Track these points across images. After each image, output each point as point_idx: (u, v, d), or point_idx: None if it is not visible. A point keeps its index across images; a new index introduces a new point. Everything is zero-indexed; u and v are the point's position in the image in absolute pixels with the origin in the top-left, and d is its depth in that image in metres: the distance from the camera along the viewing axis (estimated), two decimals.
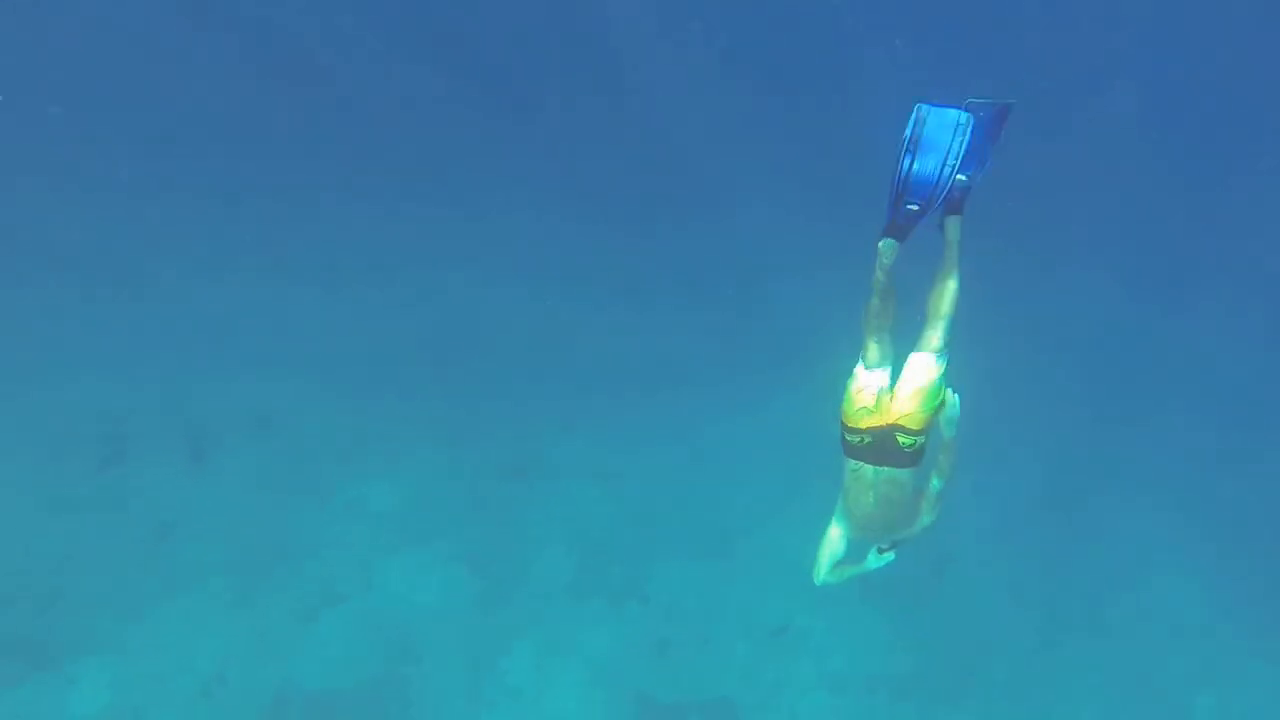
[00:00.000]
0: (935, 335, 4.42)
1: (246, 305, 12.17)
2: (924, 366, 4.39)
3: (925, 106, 4.23)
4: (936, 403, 4.38)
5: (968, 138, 4.18)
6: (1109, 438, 12.07)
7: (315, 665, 8.61)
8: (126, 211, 13.30)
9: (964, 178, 4.42)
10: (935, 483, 4.66)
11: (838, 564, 4.91)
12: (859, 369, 4.48)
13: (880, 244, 4.30)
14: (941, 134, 4.17)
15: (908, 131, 4.20)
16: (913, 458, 4.43)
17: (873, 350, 4.44)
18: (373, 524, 9.71)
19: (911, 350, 4.48)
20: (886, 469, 4.47)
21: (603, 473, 10.66)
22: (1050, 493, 11.44)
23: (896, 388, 4.41)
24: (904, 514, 4.64)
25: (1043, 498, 11.41)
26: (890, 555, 4.83)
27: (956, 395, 4.47)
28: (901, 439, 4.38)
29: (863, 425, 4.41)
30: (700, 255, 14.71)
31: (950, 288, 4.43)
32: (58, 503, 9.39)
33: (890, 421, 4.37)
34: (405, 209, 14.44)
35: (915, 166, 4.16)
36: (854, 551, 4.91)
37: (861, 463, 4.50)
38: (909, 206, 4.21)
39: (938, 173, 4.16)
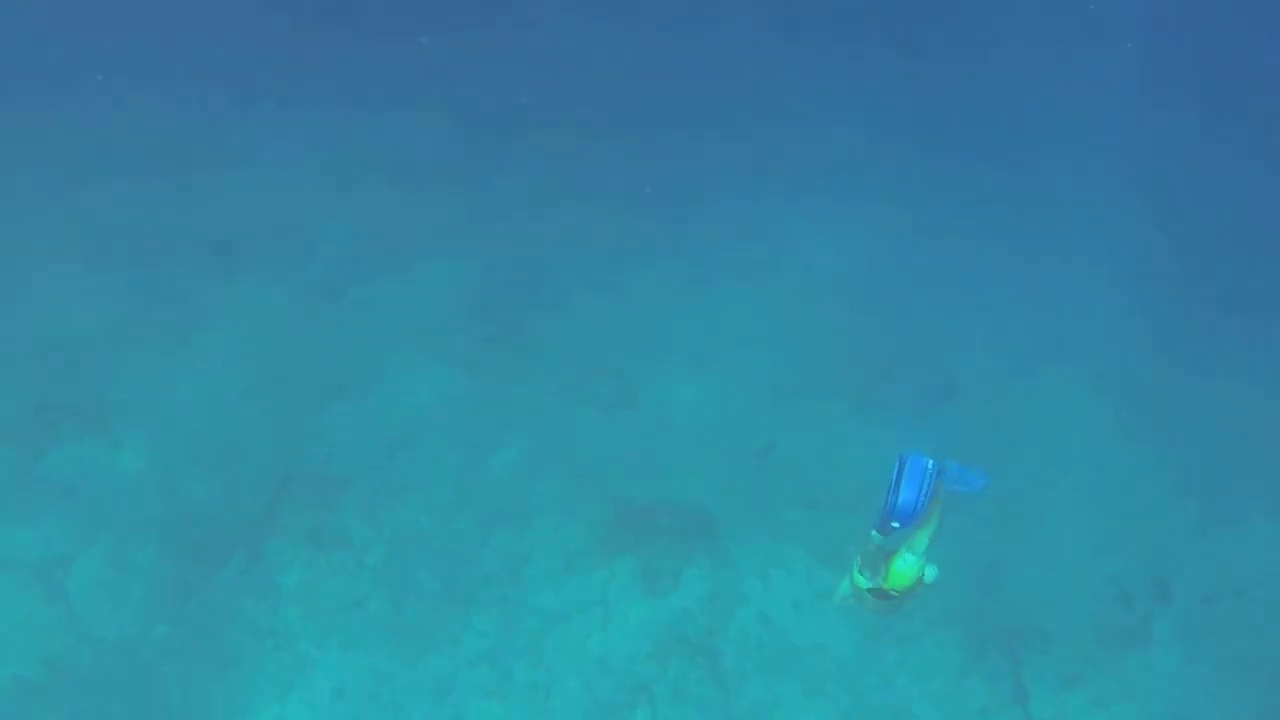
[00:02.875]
0: (921, 541, 5.62)
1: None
2: (908, 564, 5.61)
3: (904, 456, 5.56)
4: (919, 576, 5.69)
5: (935, 480, 5.56)
6: None
7: (322, 449, 9.51)
8: None
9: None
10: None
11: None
12: (855, 573, 5.78)
13: (872, 533, 5.66)
14: (917, 475, 5.50)
15: (892, 476, 5.51)
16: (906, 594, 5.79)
17: (867, 574, 5.71)
18: (381, 324, 10.31)
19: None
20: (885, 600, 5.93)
21: (608, 285, 10.79)
22: None
23: (887, 575, 5.67)
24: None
25: None
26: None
27: (934, 567, 5.67)
28: (894, 593, 5.73)
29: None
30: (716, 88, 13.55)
31: (936, 515, 5.70)
32: (98, 291, 10.39)
33: (883, 589, 5.74)
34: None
35: (900, 499, 5.48)
36: None
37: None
38: (893, 525, 5.56)
39: (914, 504, 5.50)
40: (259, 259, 10.97)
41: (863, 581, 5.78)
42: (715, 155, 11.88)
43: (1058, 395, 10.50)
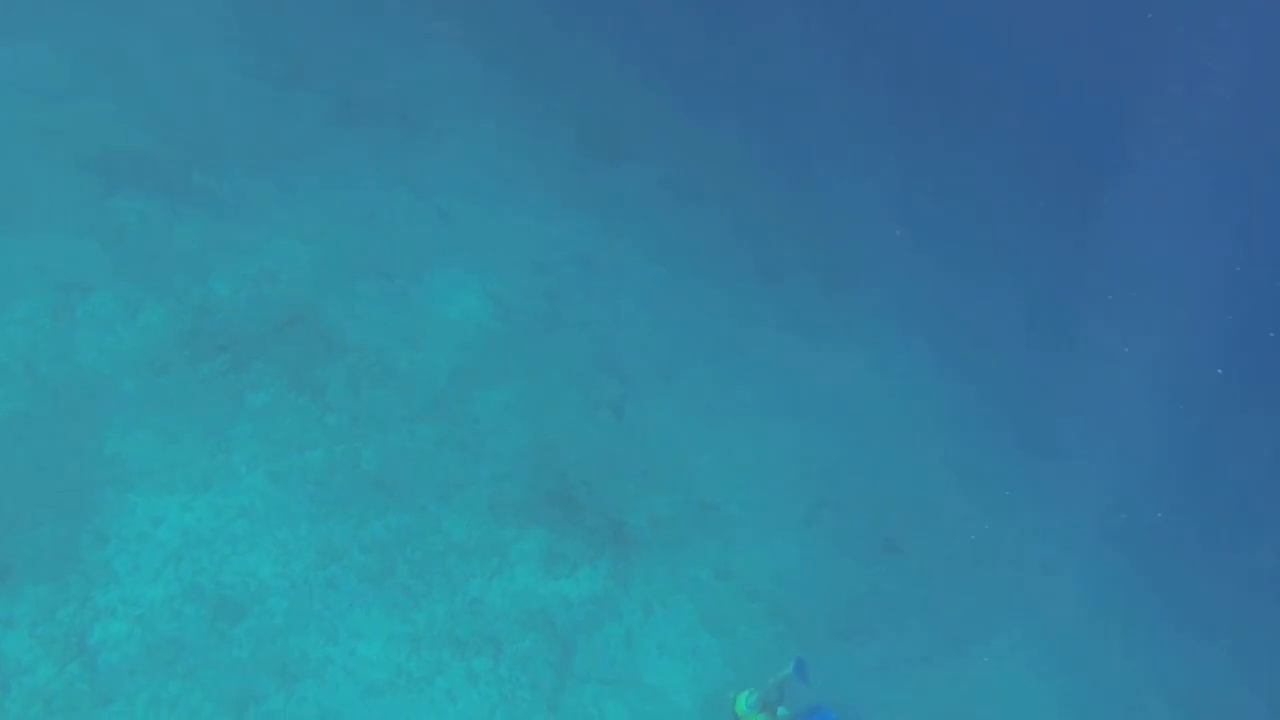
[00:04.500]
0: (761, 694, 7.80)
1: None
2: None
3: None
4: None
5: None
6: None
7: (341, 308, 10.32)
8: None
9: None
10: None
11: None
12: (744, 702, 7.93)
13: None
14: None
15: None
16: None
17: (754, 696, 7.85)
18: (452, 234, 11.25)
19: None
20: None
21: (653, 306, 11.57)
22: None
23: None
24: None
25: None
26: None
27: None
28: None
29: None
30: None
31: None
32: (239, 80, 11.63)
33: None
34: None
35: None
36: None
37: None
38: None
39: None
40: (384, 130, 12.02)
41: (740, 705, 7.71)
42: (808, 257, 12.81)
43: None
